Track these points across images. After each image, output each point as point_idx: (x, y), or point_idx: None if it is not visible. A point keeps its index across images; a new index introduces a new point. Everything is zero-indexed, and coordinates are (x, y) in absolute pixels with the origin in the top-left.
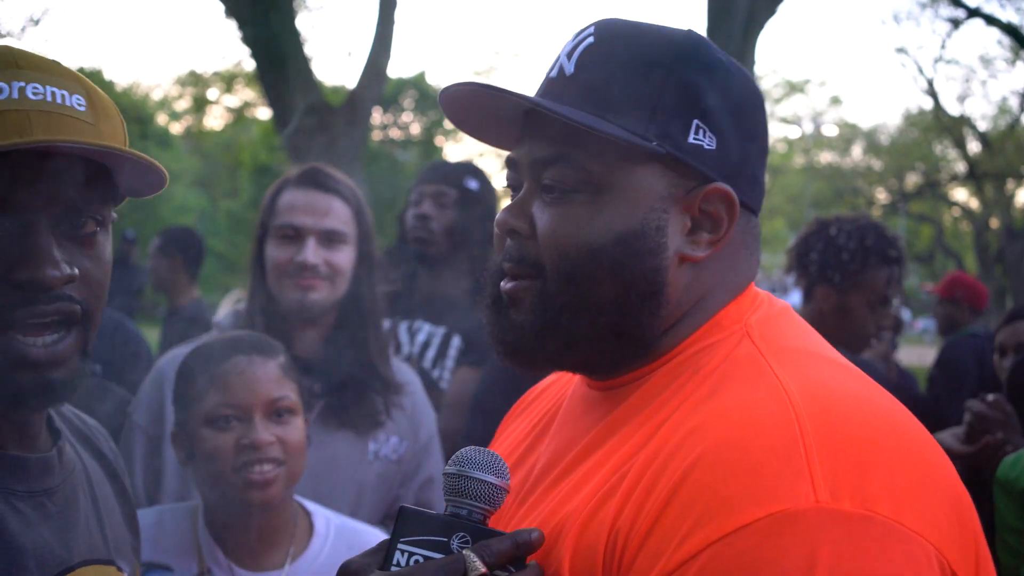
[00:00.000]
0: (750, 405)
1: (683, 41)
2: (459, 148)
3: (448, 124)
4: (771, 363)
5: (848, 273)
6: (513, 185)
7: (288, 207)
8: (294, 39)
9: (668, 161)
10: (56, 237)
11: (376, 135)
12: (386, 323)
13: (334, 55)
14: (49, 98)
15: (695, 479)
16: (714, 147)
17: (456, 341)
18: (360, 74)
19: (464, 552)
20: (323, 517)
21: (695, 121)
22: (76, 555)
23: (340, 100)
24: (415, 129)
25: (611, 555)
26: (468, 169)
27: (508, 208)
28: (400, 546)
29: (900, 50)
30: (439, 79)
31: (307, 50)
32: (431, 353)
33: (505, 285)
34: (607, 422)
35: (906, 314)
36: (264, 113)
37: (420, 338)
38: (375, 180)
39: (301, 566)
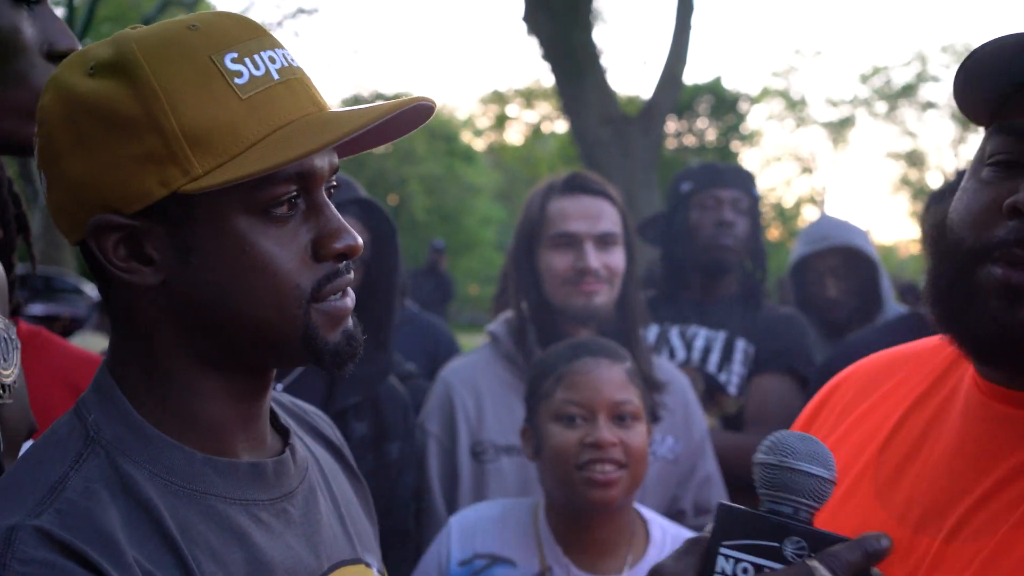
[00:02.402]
0: None
1: None
2: (755, 153)
3: (744, 129)
4: None
5: None
6: (1014, 162)
7: (560, 214)
8: (591, 52)
9: None
10: None
11: (670, 143)
12: (654, 327)
13: (629, 65)
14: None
15: None
16: None
17: (741, 344)
18: (656, 83)
19: (810, 563)
20: (659, 525)
21: None
22: (325, 560)
23: (635, 110)
24: (710, 135)
25: None
26: (751, 175)
27: None
28: (723, 551)
29: None
30: (736, 83)
31: (603, 61)
32: (714, 358)
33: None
34: None
35: None
36: (561, 126)
37: (699, 343)
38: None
39: (638, 573)
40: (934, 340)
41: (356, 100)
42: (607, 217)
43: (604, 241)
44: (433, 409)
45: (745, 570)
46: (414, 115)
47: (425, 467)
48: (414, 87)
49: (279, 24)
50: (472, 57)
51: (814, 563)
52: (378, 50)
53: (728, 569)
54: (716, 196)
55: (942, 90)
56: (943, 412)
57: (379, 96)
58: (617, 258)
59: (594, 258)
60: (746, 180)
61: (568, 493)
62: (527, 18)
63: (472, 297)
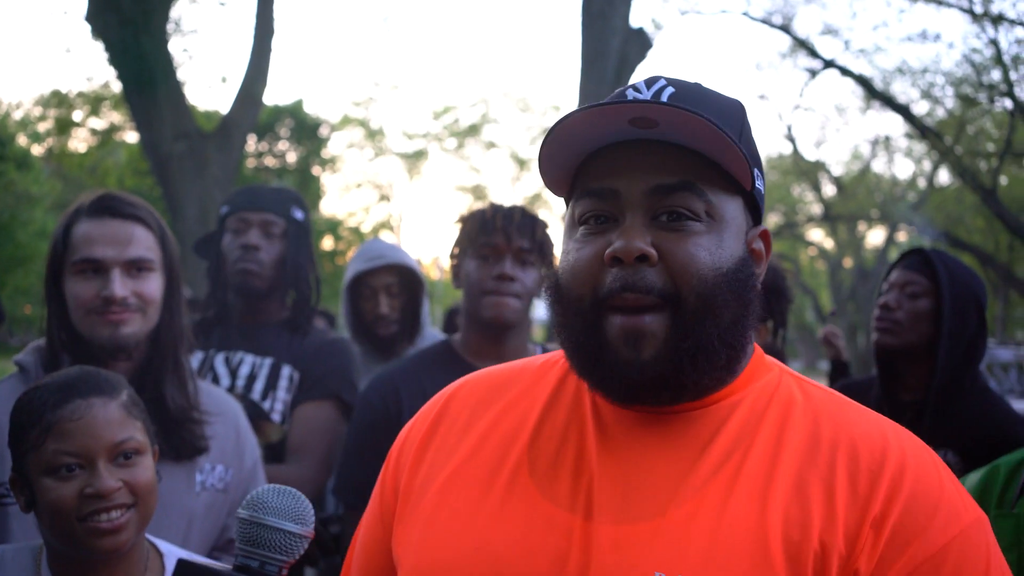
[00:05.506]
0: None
1: (738, 100)
2: (336, 178)
3: (325, 154)
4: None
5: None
6: (601, 217)
7: (85, 239)
8: (165, 62)
9: (747, 199)
10: None
11: (250, 162)
12: (198, 353)
13: (208, 80)
14: None
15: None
16: (763, 194)
17: (287, 371)
18: (234, 100)
19: None
20: (175, 557)
21: (756, 169)
22: None
23: (213, 125)
24: (291, 158)
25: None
26: (294, 198)
27: (630, 234)
28: None
29: (762, 97)
30: (317, 108)
31: (179, 74)
32: (259, 385)
33: (636, 321)
34: (721, 444)
35: None
36: (132, 136)
37: (244, 370)
38: None
39: None
40: (536, 360)
41: None
42: (139, 242)
43: (135, 267)
44: None
45: None
46: None
47: None
48: None
49: None
50: (29, 51)
51: None
52: None
53: None
54: (245, 219)
55: (503, 131)
56: (576, 416)
57: None
58: (151, 285)
59: (121, 286)
60: (285, 203)
61: (74, 545)
62: (91, 19)
63: (26, 317)
